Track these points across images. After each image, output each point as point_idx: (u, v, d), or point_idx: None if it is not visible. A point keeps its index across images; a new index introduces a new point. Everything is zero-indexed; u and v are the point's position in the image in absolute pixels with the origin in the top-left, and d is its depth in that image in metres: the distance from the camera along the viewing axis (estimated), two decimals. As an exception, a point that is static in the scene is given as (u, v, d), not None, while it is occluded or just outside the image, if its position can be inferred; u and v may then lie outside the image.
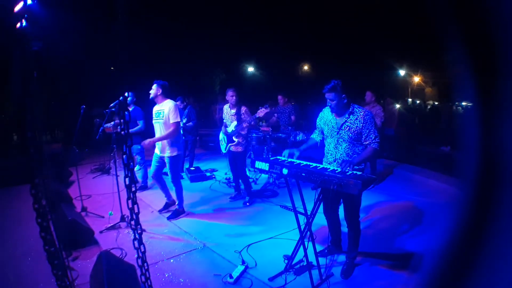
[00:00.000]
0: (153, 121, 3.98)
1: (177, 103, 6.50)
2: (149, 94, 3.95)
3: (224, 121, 4.69)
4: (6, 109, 10.06)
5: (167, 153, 3.89)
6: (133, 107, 5.07)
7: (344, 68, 14.04)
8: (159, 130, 3.91)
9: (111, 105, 4.70)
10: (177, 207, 4.12)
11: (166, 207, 4.24)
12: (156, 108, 3.98)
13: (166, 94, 3.95)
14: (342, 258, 2.94)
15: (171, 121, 3.83)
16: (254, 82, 19.02)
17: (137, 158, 5.21)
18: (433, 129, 10.24)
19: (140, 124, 5.08)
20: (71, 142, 4.58)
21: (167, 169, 4.03)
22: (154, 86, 3.93)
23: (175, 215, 4.05)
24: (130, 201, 1.40)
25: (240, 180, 4.81)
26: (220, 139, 4.78)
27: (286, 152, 2.77)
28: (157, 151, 3.99)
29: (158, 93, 3.90)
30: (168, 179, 4.09)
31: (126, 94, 5.29)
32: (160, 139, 3.83)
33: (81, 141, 7.85)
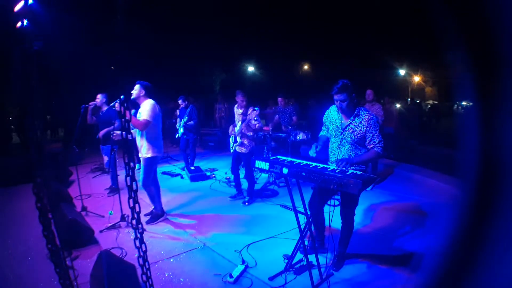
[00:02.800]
0: None
1: (179, 101, 6.59)
2: (131, 94, 3.77)
3: (235, 120, 4.71)
4: (6, 108, 10.07)
5: (143, 153, 3.76)
6: (106, 108, 4.89)
7: (344, 67, 14.05)
8: (137, 131, 3.78)
9: (111, 104, 4.70)
10: (153, 210, 3.98)
11: (151, 212, 4.11)
12: (139, 110, 3.85)
13: (148, 95, 3.82)
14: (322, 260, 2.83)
15: (142, 118, 3.65)
16: (254, 82, 19.02)
17: (105, 158, 4.99)
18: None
19: (117, 123, 4.78)
20: (71, 142, 4.58)
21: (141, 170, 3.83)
22: (137, 87, 3.77)
23: (154, 219, 3.90)
24: (131, 200, 1.40)
25: (241, 180, 4.82)
26: (230, 137, 4.81)
27: (312, 151, 2.66)
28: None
29: (141, 94, 3.77)
30: (143, 182, 3.84)
31: (99, 95, 5.20)
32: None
33: (81, 141, 7.86)
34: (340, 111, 2.71)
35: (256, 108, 4.27)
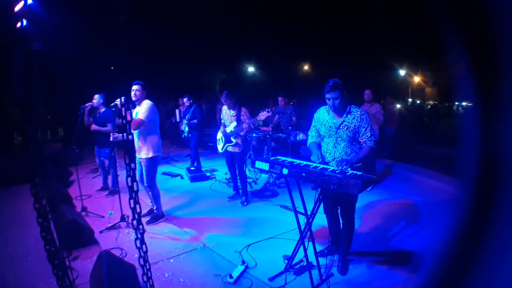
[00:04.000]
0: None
1: (184, 99, 6.67)
2: (134, 95, 3.75)
3: (223, 121, 4.70)
4: (6, 108, 10.07)
5: (143, 155, 3.74)
6: (104, 109, 4.87)
7: (344, 68, 14.03)
8: (136, 132, 3.75)
9: (111, 104, 4.71)
10: (155, 211, 3.99)
11: (150, 212, 4.11)
12: (135, 110, 3.83)
13: (147, 95, 3.83)
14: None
15: (138, 117, 3.64)
16: (254, 82, 19.01)
17: (106, 162, 4.94)
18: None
19: (109, 126, 4.81)
20: (71, 142, 4.58)
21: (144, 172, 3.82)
22: (139, 88, 3.75)
23: (154, 219, 3.91)
24: (132, 201, 1.40)
25: (238, 180, 4.83)
26: (217, 138, 4.78)
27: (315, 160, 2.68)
28: (137, 154, 3.80)
29: (144, 96, 3.77)
30: (148, 182, 3.86)
31: (97, 96, 5.17)
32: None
33: (81, 141, 7.87)
34: (332, 110, 2.73)
35: (268, 110, 4.23)
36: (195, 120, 6.43)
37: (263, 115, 4.20)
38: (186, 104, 6.72)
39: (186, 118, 6.49)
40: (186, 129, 6.51)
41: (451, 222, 0.95)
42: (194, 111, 6.47)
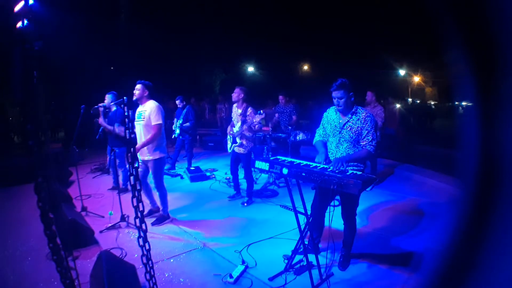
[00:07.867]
0: (135, 123, 3.75)
1: (177, 101, 6.60)
2: (133, 94, 3.74)
3: (233, 120, 4.68)
4: (6, 109, 10.07)
5: (148, 156, 3.70)
6: (115, 108, 4.81)
7: (344, 68, 14.05)
8: (139, 132, 3.72)
9: (114, 102, 4.70)
10: (161, 212, 3.95)
11: (150, 213, 4.08)
12: (138, 109, 3.80)
13: (151, 95, 3.79)
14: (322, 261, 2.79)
15: (153, 123, 3.64)
16: (254, 82, 19.04)
17: (116, 161, 4.78)
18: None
19: (117, 129, 4.66)
20: (71, 142, 4.58)
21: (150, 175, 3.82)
22: (140, 87, 3.72)
23: (160, 221, 3.88)
24: (135, 199, 1.41)
25: (241, 180, 4.82)
26: (228, 138, 4.77)
27: (321, 159, 2.64)
28: (139, 155, 3.75)
29: (145, 94, 3.73)
30: (156, 184, 3.86)
31: (108, 95, 5.14)
32: (143, 144, 3.61)
33: (81, 141, 7.87)
34: (337, 109, 2.73)
35: (260, 112, 4.23)
36: (187, 124, 6.35)
37: (258, 117, 4.18)
38: (178, 106, 6.60)
39: (178, 122, 6.39)
40: (177, 131, 6.45)
41: (452, 222, 0.95)
42: (187, 114, 6.36)
